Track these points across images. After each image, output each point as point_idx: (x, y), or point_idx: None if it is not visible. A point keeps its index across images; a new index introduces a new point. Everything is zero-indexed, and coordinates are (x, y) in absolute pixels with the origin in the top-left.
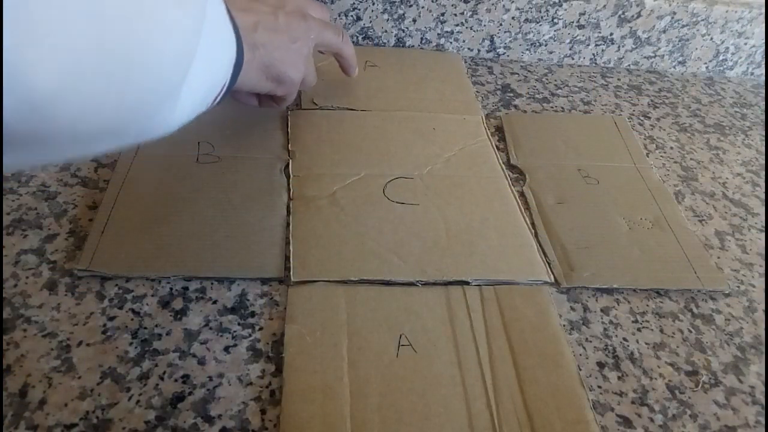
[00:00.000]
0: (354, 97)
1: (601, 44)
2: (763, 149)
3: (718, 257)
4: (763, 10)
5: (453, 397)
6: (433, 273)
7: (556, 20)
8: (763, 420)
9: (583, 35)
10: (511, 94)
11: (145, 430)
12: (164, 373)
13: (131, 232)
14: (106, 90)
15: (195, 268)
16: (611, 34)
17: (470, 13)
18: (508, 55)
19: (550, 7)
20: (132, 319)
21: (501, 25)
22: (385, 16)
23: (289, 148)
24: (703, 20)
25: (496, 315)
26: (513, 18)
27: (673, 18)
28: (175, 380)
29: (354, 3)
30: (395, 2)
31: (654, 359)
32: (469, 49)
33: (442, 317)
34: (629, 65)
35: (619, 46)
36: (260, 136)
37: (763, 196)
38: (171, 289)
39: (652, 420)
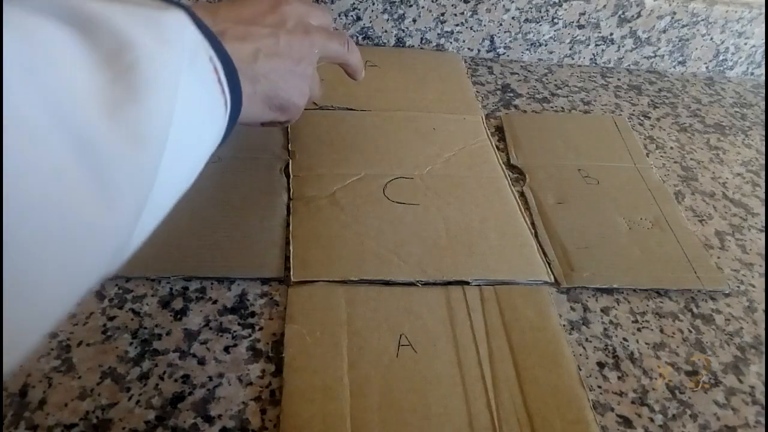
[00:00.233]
0: (354, 97)
1: (601, 44)
2: (763, 149)
3: (718, 257)
4: (763, 10)
5: (453, 397)
6: (433, 273)
7: (556, 20)
8: (763, 420)
9: (583, 35)
10: (511, 94)
11: (145, 430)
12: (164, 373)
13: None
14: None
15: (195, 268)
16: (611, 34)
17: (470, 13)
18: (508, 55)
19: (550, 7)
20: (132, 319)
21: (501, 25)
22: (385, 16)
23: (289, 148)
24: (703, 20)
25: (496, 315)
26: (513, 18)
27: (673, 18)
28: (175, 380)
29: (354, 3)
30: (395, 2)
31: (654, 359)
32: (469, 49)
33: (442, 317)
34: (629, 65)
35: (619, 46)
36: (260, 136)
37: (763, 196)
38: (171, 289)
39: (652, 420)
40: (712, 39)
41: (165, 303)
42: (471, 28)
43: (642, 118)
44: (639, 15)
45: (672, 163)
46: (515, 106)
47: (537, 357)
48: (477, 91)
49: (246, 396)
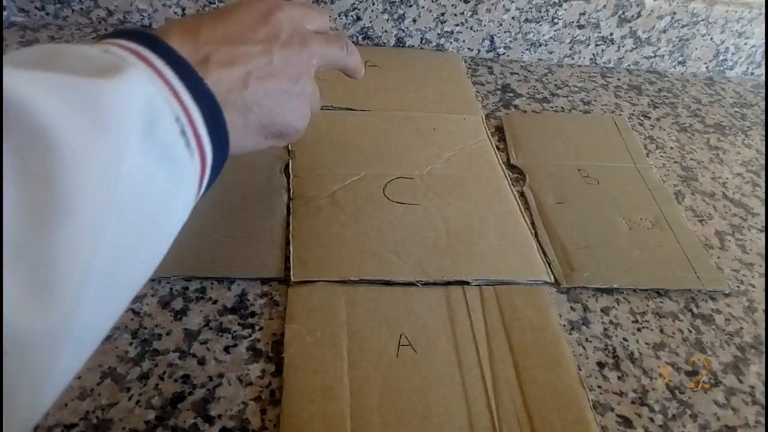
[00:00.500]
0: (354, 97)
1: (601, 44)
2: (763, 149)
3: (718, 257)
4: (763, 10)
5: (453, 397)
6: (433, 273)
7: (556, 20)
8: (763, 420)
9: (583, 35)
10: (511, 94)
11: (145, 430)
12: (164, 373)
13: None
14: None
15: (195, 268)
16: (611, 34)
17: (470, 13)
18: (508, 55)
19: (550, 7)
20: (132, 319)
21: (501, 25)
22: (385, 16)
23: (289, 148)
24: (703, 20)
25: (496, 315)
26: (513, 18)
27: (673, 18)
28: (175, 380)
29: (354, 3)
30: (395, 2)
31: (654, 359)
32: (469, 49)
33: (442, 317)
34: (629, 65)
35: (619, 46)
36: None
37: (763, 196)
38: (171, 289)
39: (652, 420)
40: (712, 39)
41: (165, 303)
42: (471, 28)
43: (642, 118)
44: (639, 15)
45: (672, 163)
46: (515, 106)
47: (537, 357)
48: (477, 91)
49: (246, 396)
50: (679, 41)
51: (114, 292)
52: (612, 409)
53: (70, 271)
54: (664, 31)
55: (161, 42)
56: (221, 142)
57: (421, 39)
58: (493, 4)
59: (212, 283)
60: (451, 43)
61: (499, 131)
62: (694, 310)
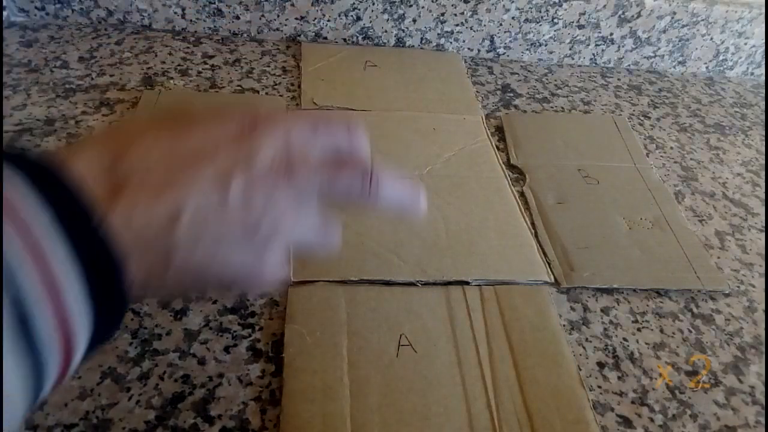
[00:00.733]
0: (354, 97)
1: (601, 44)
2: (763, 149)
3: (718, 257)
4: (763, 10)
5: (453, 397)
6: (433, 273)
7: (556, 20)
8: (763, 420)
9: (583, 35)
10: (511, 94)
11: (145, 430)
12: (164, 373)
13: None
14: None
15: None
16: (611, 34)
17: (470, 13)
18: (508, 55)
19: (550, 7)
20: (132, 319)
21: (501, 25)
22: (385, 16)
23: None
24: (703, 20)
25: (496, 315)
26: (513, 18)
27: (673, 18)
28: (175, 380)
29: (354, 3)
30: (395, 2)
31: (654, 359)
32: (469, 49)
33: (442, 317)
34: (629, 65)
35: (619, 46)
36: None
37: (763, 196)
38: None
39: (652, 420)
40: (712, 39)
41: (165, 303)
42: (471, 28)
43: (642, 118)
44: (639, 15)
45: (672, 163)
46: (515, 106)
47: (537, 357)
48: (477, 91)
49: (246, 396)
50: (679, 41)
51: None
52: (612, 409)
53: None
54: (664, 31)
55: (52, 172)
56: (113, 301)
57: (421, 39)
58: (493, 4)
59: None
60: (451, 43)
61: (499, 131)
62: (694, 310)
